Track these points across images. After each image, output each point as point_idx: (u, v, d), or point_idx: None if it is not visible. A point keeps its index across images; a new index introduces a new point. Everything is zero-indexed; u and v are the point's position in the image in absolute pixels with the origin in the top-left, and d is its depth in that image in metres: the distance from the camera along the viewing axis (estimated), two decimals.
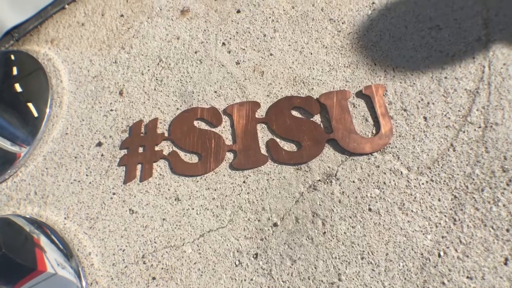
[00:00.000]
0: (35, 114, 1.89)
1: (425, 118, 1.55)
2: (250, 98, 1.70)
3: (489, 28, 1.66)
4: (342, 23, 1.80)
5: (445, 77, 1.61)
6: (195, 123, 1.69)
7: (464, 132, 1.50)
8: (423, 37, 1.70)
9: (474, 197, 1.40)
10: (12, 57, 2.08)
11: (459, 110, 1.55)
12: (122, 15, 2.06)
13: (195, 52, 1.86)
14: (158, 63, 1.87)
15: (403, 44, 1.71)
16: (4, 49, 2.18)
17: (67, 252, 1.55)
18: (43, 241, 1.57)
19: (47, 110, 1.89)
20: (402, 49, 1.70)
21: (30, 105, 1.93)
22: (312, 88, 1.68)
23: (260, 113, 1.67)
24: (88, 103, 1.85)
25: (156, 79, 1.83)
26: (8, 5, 2.19)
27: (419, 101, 1.58)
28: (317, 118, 1.62)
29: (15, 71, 2.04)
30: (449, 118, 1.54)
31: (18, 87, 1.98)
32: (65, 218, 1.64)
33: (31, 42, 2.13)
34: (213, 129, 1.67)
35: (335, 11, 1.84)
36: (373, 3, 1.83)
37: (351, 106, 1.62)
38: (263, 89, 1.71)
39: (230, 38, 1.87)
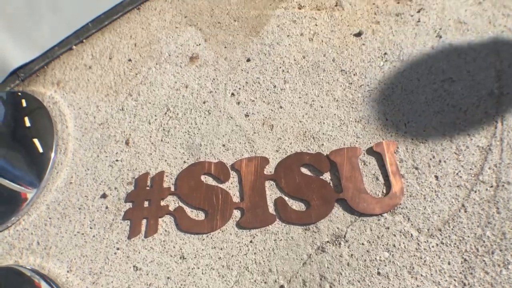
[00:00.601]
0: (39, 161, 1.96)
1: (436, 177, 1.60)
2: (259, 153, 1.76)
3: (502, 80, 1.72)
4: (354, 74, 1.86)
5: (458, 133, 1.66)
6: (202, 178, 1.75)
7: (475, 191, 1.55)
8: (435, 90, 1.76)
9: (484, 260, 1.44)
10: (17, 98, 2.16)
11: (471, 169, 1.59)
12: (130, 60, 2.13)
13: (204, 102, 1.93)
14: (166, 113, 1.94)
15: (415, 97, 1.76)
16: (9, 89, 2.26)
17: None
18: None
19: (52, 157, 1.95)
20: (414, 103, 1.75)
21: (34, 150, 1.99)
22: (322, 144, 1.73)
23: (269, 169, 1.72)
24: (93, 152, 1.91)
25: (163, 129, 1.89)
26: (14, 44, 2.28)
27: (430, 159, 1.63)
28: (326, 176, 1.68)
29: (20, 113, 2.10)
30: (460, 177, 1.58)
31: (22, 131, 2.04)
32: (67, 271, 1.69)
33: (37, 83, 2.21)
34: (221, 185, 1.73)
35: (347, 62, 1.90)
36: (385, 53, 1.89)
37: (361, 164, 1.67)
38: (272, 144, 1.77)
39: (240, 88, 1.93)
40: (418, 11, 1.98)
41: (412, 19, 1.97)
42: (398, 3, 2.03)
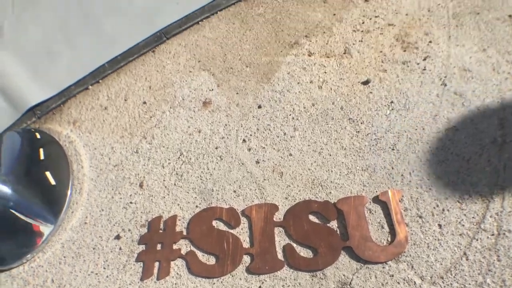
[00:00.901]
0: (55, 199, 2.07)
1: (439, 225, 1.70)
2: (269, 200, 1.87)
3: (505, 128, 1.82)
4: (361, 123, 1.97)
5: (461, 182, 1.76)
6: (214, 223, 1.86)
7: (477, 240, 1.64)
8: (440, 139, 1.86)
9: None
10: (34, 135, 2.28)
11: (473, 217, 1.69)
12: (144, 102, 2.26)
13: (216, 148, 2.04)
14: (179, 157, 2.05)
15: (420, 146, 1.87)
16: (26, 126, 2.38)
17: None
18: None
19: (68, 197, 2.07)
20: (419, 152, 1.86)
21: (50, 189, 2.10)
22: (330, 192, 1.84)
23: (278, 216, 1.83)
24: (108, 193, 2.03)
25: (177, 174, 2.01)
26: (32, 81, 2.42)
27: (434, 208, 1.73)
28: (334, 224, 1.78)
29: (36, 150, 2.22)
30: (463, 225, 1.68)
31: (39, 169, 2.16)
32: None
33: (53, 121, 2.33)
34: (231, 231, 1.83)
35: (354, 110, 2.01)
36: (392, 102, 2.00)
37: (367, 212, 1.77)
38: (282, 191, 1.88)
39: (251, 135, 2.05)
40: (424, 59, 2.09)
41: (418, 67, 2.07)
42: (405, 51, 2.15)
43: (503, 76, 1.96)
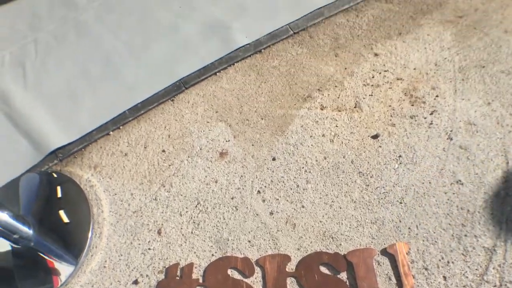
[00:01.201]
0: (76, 242, 2.19)
1: (444, 277, 1.80)
2: (282, 251, 1.98)
3: (509, 182, 1.94)
4: (370, 176, 2.10)
5: (465, 235, 1.87)
6: (229, 271, 1.97)
7: None
8: (445, 192, 1.98)
9: None
10: (56, 178, 2.41)
11: (476, 269, 1.79)
12: (163, 151, 2.40)
13: (232, 198, 2.17)
14: (196, 206, 2.18)
15: (426, 200, 1.99)
16: (48, 167, 2.52)
17: None
18: None
19: (88, 240, 2.19)
20: (425, 205, 1.97)
21: (71, 232, 2.23)
22: (340, 244, 1.96)
23: (291, 266, 1.94)
24: (127, 238, 2.15)
25: (194, 222, 2.13)
26: (56, 126, 2.57)
27: (439, 260, 1.84)
28: (343, 276, 1.89)
29: (58, 193, 2.36)
30: (467, 277, 1.78)
31: (60, 211, 2.29)
32: None
33: (74, 165, 2.47)
34: (246, 280, 1.94)
35: (364, 164, 2.14)
36: (400, 156, 2.13)
37: (376, 264, 1.88)
38: (294, 242, 2.00)
39: (265, 187, 2.18)
40: (431, 113, 2.22)
41: (425, 121, 2.20)
42: (413, 105, 2.29)
43: (506, 130, 2.08)
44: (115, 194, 2.28)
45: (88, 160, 2.46)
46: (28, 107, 2.77)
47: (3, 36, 3.24)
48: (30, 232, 2.17)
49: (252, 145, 2.31)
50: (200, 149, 2.35)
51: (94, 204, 2.27)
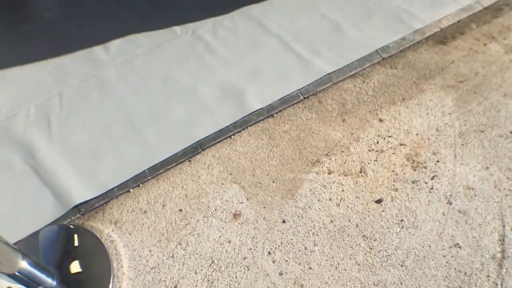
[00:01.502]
0: None
1: None
2: None
3: (505, 245, 2.09)
4: (374, 240, 2.27)
5: None
6: None
7: None
8: (444, 255, 2.14)
9: None
10: (77, 232, 2.57)
11: None
12: (180, 210, 2.59)
13: (244, 258, 2.34)
14: (210, 264, 2.35)
15: (426, 263, 2.15)
16: (70, 221, 2.70)
17: None
18: None
19: None
20: (425, 268, 2.13)
21: (92, 285, 2.39)
22: None
23: None
24: None
25: (208, 280, 2.30)
26: (79, 181, 2.76)
27: None
28: None
29: (79, 246, 2.54)
30: None
31: (82, 265, 2.46)
32: None
33: (96, 220, 2.66)
34: None
35: (368, 227, 2.32)
36: (402, 220, 2.30)
37: None
38: None
39: (276, 248, 2.35)
40: (432, 178, 2.41)
41: (426, 186, 2.39)
42: (415, 170, 2.48)
43: (503, 193, 2.24)
44: (134, 250, 2.45)
45: (109, 215, 2.63)
46: (52, 160, 2.92)
47: (28, 87, 3.41)
48: (54, 284, 2.28)
49: (264, 207, 2.48)
50: (215, 209, 2.53)
51: (114, 258, 2.43)
